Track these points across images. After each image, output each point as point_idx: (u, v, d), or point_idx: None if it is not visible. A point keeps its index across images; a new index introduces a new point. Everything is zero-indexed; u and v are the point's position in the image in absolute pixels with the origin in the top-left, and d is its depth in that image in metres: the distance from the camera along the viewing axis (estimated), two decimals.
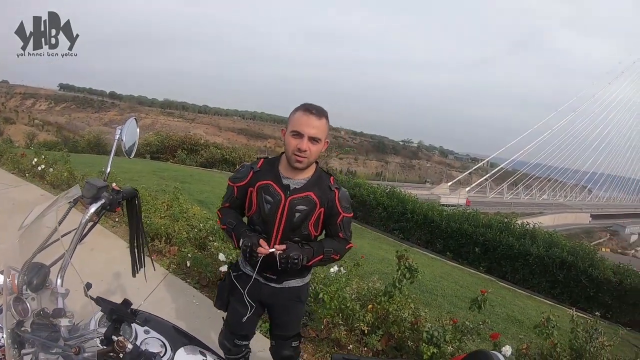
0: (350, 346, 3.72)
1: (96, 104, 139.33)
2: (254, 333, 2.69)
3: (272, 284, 2.42)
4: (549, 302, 9.72)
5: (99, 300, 1.46)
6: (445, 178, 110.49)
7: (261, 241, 2.20)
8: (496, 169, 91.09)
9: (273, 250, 2.18)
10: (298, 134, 2.15)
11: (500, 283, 10.33)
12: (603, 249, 41.52)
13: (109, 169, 1.84)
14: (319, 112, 2.15)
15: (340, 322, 3.74)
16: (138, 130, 2.09)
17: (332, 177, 2.38)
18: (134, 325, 1.63)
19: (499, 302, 7.43)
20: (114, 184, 1.81)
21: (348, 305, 3.68)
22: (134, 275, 2.10)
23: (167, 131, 42.32)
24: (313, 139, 2.15)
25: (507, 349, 3.18)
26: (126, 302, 1.50)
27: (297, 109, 2.20)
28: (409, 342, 3.60)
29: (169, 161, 19.00)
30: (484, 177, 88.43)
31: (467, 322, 3.58)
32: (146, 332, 1.69)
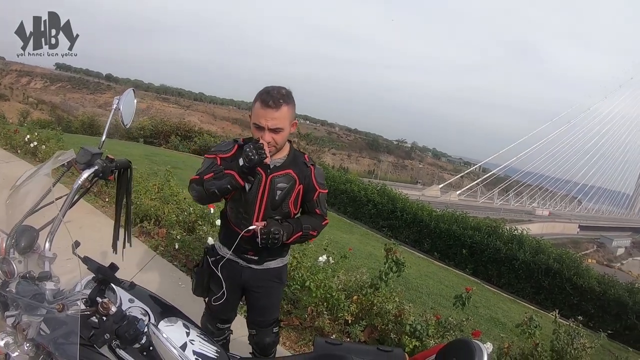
0: (334, 335, 3.73)
1: (92, 86, 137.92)
2: (236, 315, 2.69)
3: (253, 266, 2.42)
4: (532, 307, 9.74)
5: (87, 259, 1.46)
6: (436, 180, 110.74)
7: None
8: (488, 174, 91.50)
9: (254, 227, 2.20)
10: (259, 127, 2.15)
11: (485, 286, 10.35)
12: (589, 260, 41.67)
13: (104, 137, 1.84)
14: (276, 103, 2.11)
15: (325, 311, 3.75)
16: (136, 101, 2.08)
17: (305, 155, 2.42)
18: (118, 292, 1.64)
19: (483, 304, 7.46)
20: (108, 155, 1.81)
21: (334, 294, 3.68)
22: (114, 251, 2.11)
23: (161, 116, 42.01)
24: (274, 130, 2.14)
25: (489, 346, 3.19)
26: (112, 266, 1.50)
27: (256, 98, 2.17)
28: (391, 334, 3.61)
29: (162, 146, 18.91)
30: (476, 182, 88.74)
31: (450, 319, 3.59)
32: (131, 300, 1.70)
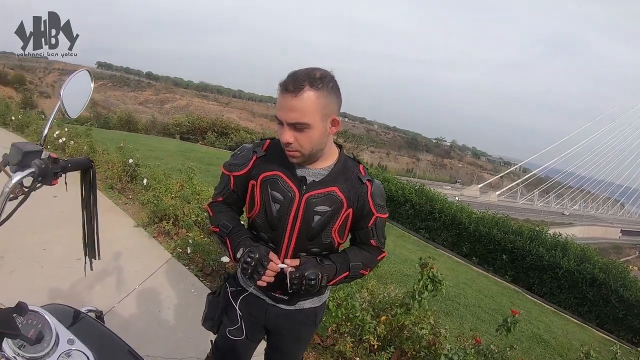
0: (357, 359, 3.30)
1: (132, 83, 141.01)
2: None
3: (282, 306, 1.82)
4: (575, 320, 9.19)
5: None
6: (476, 179, 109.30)
7: (271, 254, 1.60)
8: (528, 175, 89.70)
9: (283, 266, 1.60)
10: (280, 122, 1.55)
11: (526, 295, 9.82)
12: (631, 267, 40.30)
13: (46, 131, 1.38)
14: (297, 87, 1.46)
15: (347, 332, 3.28)
16: (92, 85, 1.62)
17: (361, 166, 1.72)
18: (56, 329, 1.23)
19: (524, 318, 6.93)
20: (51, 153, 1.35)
21: (357, 315, 3.18)
22: (91, 268, 1.67)
23: (200, 113, 42.37)
24: (295, 126, 1.51)
25: None
26: (21, 307, 1.09)
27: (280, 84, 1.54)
28: None
29: (199, 142, 18.94)
30: (516, 182, 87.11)
31: (492, 346, 3.11)
32: (70, 342, 1.27)
